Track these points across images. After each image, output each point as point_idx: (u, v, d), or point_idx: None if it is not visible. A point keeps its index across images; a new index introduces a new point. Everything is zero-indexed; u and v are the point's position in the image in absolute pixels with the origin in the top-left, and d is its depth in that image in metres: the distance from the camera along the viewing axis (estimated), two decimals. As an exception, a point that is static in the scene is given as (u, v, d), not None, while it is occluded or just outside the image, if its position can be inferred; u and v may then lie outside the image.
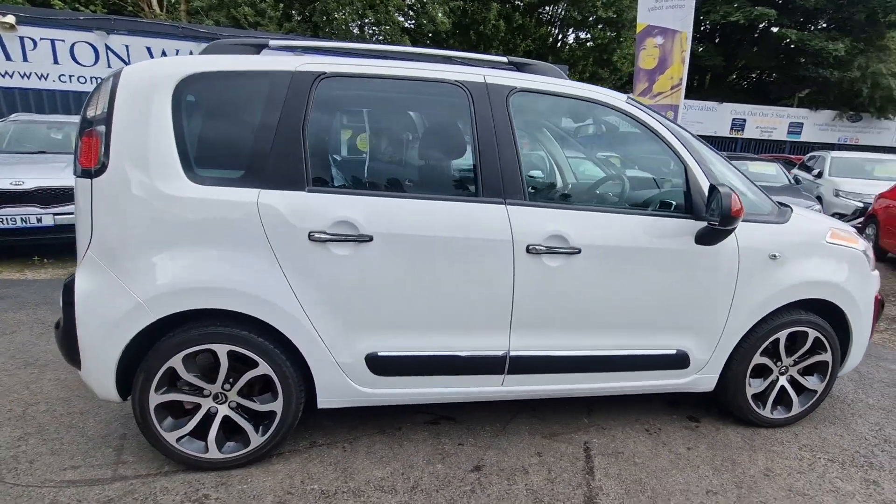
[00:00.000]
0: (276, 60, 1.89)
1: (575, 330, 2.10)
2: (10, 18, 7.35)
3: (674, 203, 2.17)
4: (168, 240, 1.77)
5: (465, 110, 1.99)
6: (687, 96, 18.16)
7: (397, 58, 2.13)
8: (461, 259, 1.92)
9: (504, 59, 2.15)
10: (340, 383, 1.96)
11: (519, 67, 2.15)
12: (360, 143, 2.16)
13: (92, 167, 1.75)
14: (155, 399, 1.86)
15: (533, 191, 2.05)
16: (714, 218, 1.96)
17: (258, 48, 1.97)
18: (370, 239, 1.84)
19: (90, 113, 1.80)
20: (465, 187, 2.01)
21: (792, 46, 18.43)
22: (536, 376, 2.12)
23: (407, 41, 13.60)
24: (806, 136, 19.95)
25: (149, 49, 8.81)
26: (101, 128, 1.74)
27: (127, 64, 2.10)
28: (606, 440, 2.31)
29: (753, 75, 20.95)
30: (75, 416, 2.33)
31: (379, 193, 1.94)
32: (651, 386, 2.28)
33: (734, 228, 1.99)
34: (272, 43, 1.99)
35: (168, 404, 1.91)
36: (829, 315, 2.38)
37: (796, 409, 2.47)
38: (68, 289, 1.79)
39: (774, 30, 18.73)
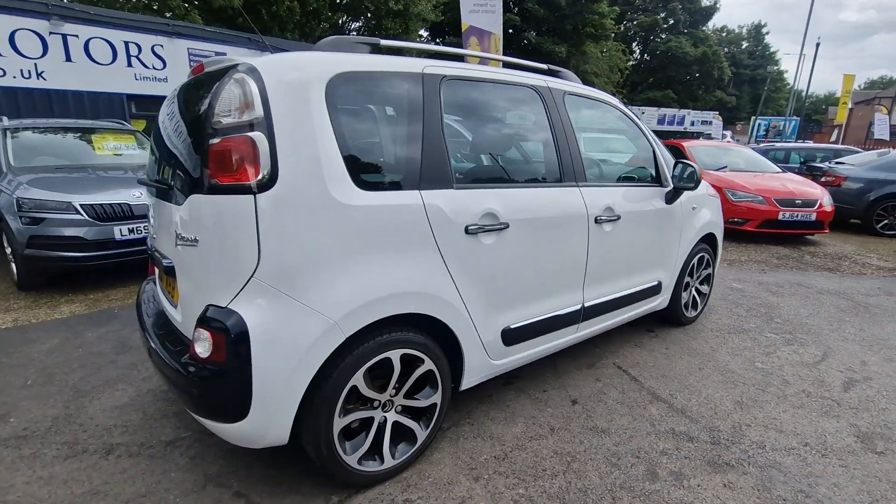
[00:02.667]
0: (403, 62, 1.90)
1: (614, 278, 2.76)
2: None
3: (650, 176, 3.01)
4: (348, 251, 1.66)
5: (541, 110, 2.36)
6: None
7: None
8: (560, 233, 2.34)
9: (544, 66, 2.58)
10: (481, 361, 2.16)
11: (554, 74, 2.61)
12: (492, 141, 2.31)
13: (253, 181, 1.50)
14: (339, 425, 1.74)
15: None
16: (688, 184, 2.87)
17: (371, 46, 1.91)
18: (507, 226, 2.08)
19: (231, 118, 1.51)
20: (552, 175, 2.39)
21: (531, 48, 23.00)
22: (594, 319, 2.70)
23: (195, 15, 11.72)
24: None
25: None
26: (259, 135, 1.50)
27: None
28: (622, 358, 3.08)
29: (506, 70, 25.14)
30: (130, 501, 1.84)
31: (504, 185, 2.17)
32: (642, 310, 3.13)
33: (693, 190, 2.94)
34: (383, 43, 1.94)
35: (344, 427, 1.79)
36: (709, 242, 3.65)
37: (699, 307, 3.72)
38: (233, 325, 1.50)
39: (521, 32, 22.76)
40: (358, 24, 18.95)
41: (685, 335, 3.47)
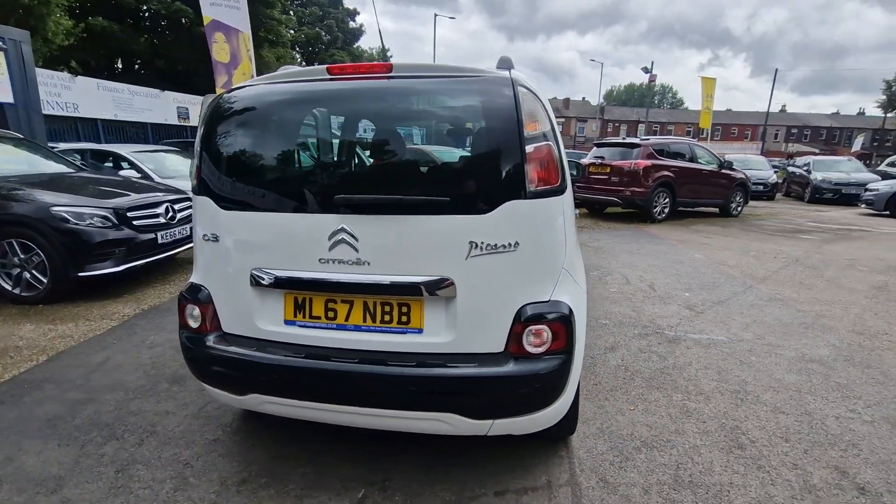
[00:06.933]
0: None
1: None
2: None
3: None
4: (569, 237, 2.00)
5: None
6: (118, 80, 16.98)
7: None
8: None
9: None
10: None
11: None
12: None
13: (558, 183, 1.70)
14: (575, 382, 2.08)
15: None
16: (577, 177, 4.13)
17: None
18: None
19: (536, 129, 1.64)
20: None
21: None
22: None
23: None
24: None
25: None
26: (553, 145, 1.71)
27: None
28: (554, 306, 4.13)
29: (180, 67, 21.93)
30: None
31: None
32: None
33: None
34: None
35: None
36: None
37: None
38: (567, 311, 1.68)
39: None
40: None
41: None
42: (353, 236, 1.66)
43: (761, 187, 14.95)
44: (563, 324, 1.68)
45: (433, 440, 2.24)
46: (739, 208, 11.21)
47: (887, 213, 11.35)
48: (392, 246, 1.66)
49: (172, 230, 5.07)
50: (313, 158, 1.73)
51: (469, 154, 1.69)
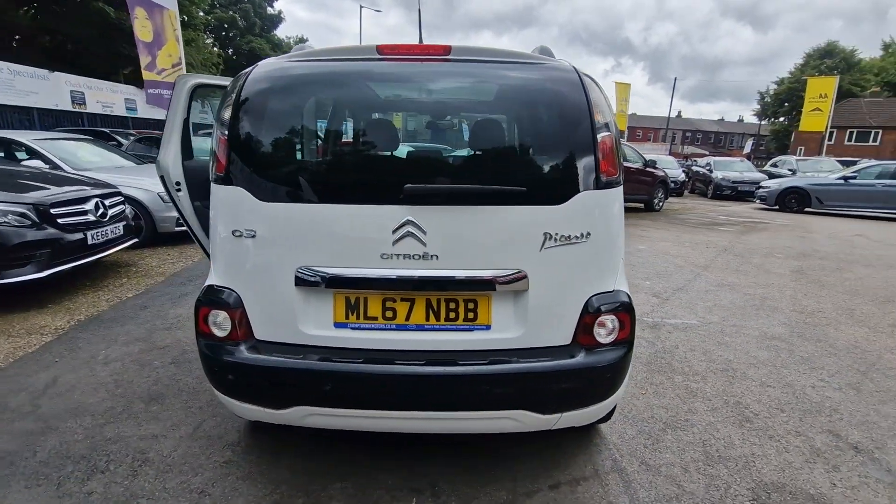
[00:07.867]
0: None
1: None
2: None
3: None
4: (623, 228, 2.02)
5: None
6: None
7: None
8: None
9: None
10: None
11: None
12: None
13: (617, 175, 1.71)
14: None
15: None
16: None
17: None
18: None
19: (601, 119, 1.62)
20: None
21: (111, 23, 18.51)
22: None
23: None
24: (141, 113, 21.25)
25: None
26: (615, 135, 1.71)
27: None
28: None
29: (70, 46, 19.29)
30: None
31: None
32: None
33: None
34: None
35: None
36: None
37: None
38: (629, 301, 1.69)
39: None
40: None
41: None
42: (420, 229, 1.54)
43: (673, 184, 16.42)
44: (627, 312, 1.70)
45: (463, 439, 2.17)
46: (661, 203, 12.20)
47: (777, 207, 12.99)
48: (462, 239, 1.57)
49: (104, 229, 4.44)
50: (372, 144, 1.57)
51: (542, 143, 1.64)
